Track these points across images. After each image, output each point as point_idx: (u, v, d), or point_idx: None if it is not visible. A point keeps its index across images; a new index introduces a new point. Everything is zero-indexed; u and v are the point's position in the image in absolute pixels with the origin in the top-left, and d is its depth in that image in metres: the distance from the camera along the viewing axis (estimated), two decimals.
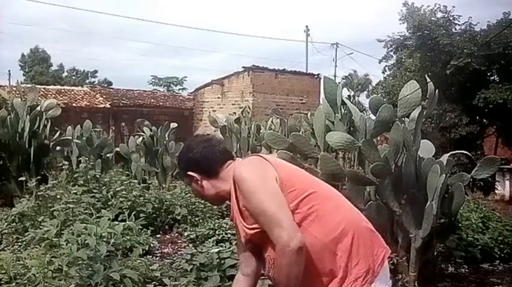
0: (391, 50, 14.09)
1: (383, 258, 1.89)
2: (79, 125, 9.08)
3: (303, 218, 1.84)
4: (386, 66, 15.15)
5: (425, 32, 11.84)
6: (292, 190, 1.87)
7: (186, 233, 6.06)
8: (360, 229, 1.90)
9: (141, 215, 5.76)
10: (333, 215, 1.88)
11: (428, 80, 4.47)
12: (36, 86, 11.33)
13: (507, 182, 11.21)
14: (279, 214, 1.79)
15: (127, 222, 4.84)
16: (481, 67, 11.52)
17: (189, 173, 2.06)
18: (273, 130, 8.97)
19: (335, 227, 1.85)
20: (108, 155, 9.08)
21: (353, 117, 4.55)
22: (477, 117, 12.39)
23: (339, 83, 5.15)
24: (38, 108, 8.04)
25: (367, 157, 4.16)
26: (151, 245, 5.37)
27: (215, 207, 6.91)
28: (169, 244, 5.86)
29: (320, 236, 1.83)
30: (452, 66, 11.48)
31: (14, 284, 3.61)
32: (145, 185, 8.21)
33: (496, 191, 11.27)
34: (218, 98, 17.94)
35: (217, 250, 4.16)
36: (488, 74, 12.23)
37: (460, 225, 5.05)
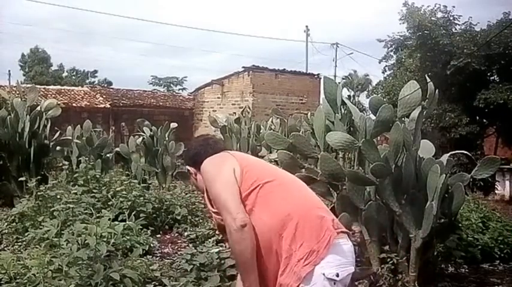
0: (391, 50, 14.10)
1: (329, 240, 1.97)
2: (79, 125, 9.07)
3: (254, 203, 2.05)
4: (386, 66, 15.16)
5: (425, 32, 11.83)
6: (250, 178, 2.10)
7: (186, 233, 6.06)
8: (307, 214, 2.03)
9: (141, 215, 5.76)
10: (282, 201, 2.06)
11: (428, 80, 4.47)
12: (36, 86, 11.32)
13: (507, 182, 11.22)
14: (227, 200, 2.04)
15: (127, 222, 4.84)
16: (481, 67, 11.51)
17: (187, 167, 2.39)
18: (273, 130, 8.98)
19: (282, 212, 2.02)
20: (108, 155, 9.07)
21: (353, 118, 4.55)
22: (477, 118, 12.39)
23: (339, 83, 5.14)
24: (38, 108, 8.03)
25: (367, 157, 4.16)
26: (151, 245, 5.37)
27: None
28: (169, 244, 5.86)
29: (267, 220, 2.01)
30: (452, 67, 11.47)
31: (14, 284, 3.61)
32: (145, 185, 8.21)
33: (496, 191, 11.28)
34: (218, 98, 17.94)
35: (217, 250, 4.16)
36: (489, 74, 12.23)
37: (460, 225, 5.05)
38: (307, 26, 30.54)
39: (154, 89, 31.55)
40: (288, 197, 2.09)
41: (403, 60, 14.12)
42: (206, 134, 2.61)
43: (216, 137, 2.55)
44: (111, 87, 25.59)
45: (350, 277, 2.02)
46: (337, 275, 1.95)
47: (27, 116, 7.84)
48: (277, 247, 1.99)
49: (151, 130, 9.61)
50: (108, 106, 18.04)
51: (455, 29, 12.45)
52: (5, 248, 5.08)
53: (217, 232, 5.57)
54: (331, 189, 4.60)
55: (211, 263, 3.92)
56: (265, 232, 2.01)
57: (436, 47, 11.84)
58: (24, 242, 5.02)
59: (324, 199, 4.33)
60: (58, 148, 8.47)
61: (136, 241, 5.00)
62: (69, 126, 9.03)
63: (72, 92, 19.10)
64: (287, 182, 2.20)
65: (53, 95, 17.12)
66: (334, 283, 1.95)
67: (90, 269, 3.49)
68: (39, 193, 5.69)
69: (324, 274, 1.93)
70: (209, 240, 5.39)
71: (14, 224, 5.55)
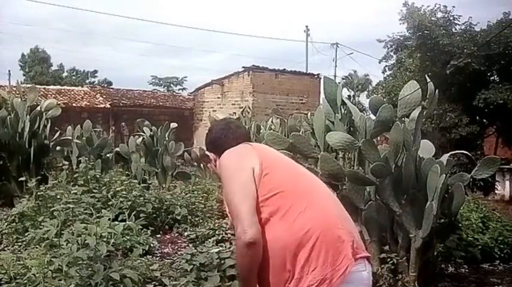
0: (391, 50, 14.10)
1: (345, 270, 1.78)
2: (79, 125, 9.08)
3: (271, 212, 1.85)
4: (386, 66, 15.18)
5: (425, 32, 11.84)
6: (269, 183, 1.90)
7: (186, 233, 6.05)
8: (326, 235, 1.81)
9: (141, 215, 5.76)
10: (300, 216, 1.84)
11: (428, 80, 4.47)
12: (36, 86, 11.34)
13: (507, 182, 11.22)
14: (241, 206, 1.83)
15: (127, 222, 4.84)
16: (481, 67, 11.52)
17: (206, 152, 2.24)
18: (273, 130, 8.97)
19: (299, 228, 1.81)
20: (108, 155, 9.08)
21: (353, 118, 4.55)
22: (477, 118, 12.40)
23: (339, 83, 5.15)
24: (38, 108, 8.04)
25: (367, 157, 4.16)
26: (151, 245, 5.36)
27: (215, 207, 6.93)
28: (169, 244, 5.86)
29: (283, 235, 1.81)
30: (452, 66, 11.48)
31: (14, 284, 3.61)
32: (145, 185, 8.21)
33: (496, 191, 11.28)
34: (218, 98, 17.94)
35: (217, 250, 4.15)
36: (488, 74, 12.24)
37: (460, 225, 5.04)
38: (307, 26, 30.54)
39: (154, 89, 31.56)
40: (308, 211, 1.85)
41: (403, 60, 14.13)
42: (228, 118, 2.46)
43: (238, 121, 2.36)
44: (111, 87, 25.60)
45: None
46: None
47: (27, 116, 7.84)
48: (291, 265, 1.80)
49: (151, 130, 9.60)
50: (108, 106, 18.04)
51: (455, 29, 12.46)
52: (5, 248, 5.08)
53: (217, 232, 5.60)
54: (331, 189, 4.59)
55: (211, 263, 3.92)
56: (279, 248, 1.81)
57: (436, 47, 11.85)
58: (24, 242, 5.02)
59: None
60: (58, 148, 8.48)
61: (136, 241, 5.00)
62: (69, 126, 9.03)
63: (72, 92, 19.11)
64: (310, 191, 1.97)
65: (53, 95, 17.12)
66: None
67: (90, 269, 3.49)
68: (39, 193, 5.69)
69: None
70: (209, 240, 5.40)
71: (14, 224, 5.55)
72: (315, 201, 1.92)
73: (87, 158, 7.63)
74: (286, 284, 1.81)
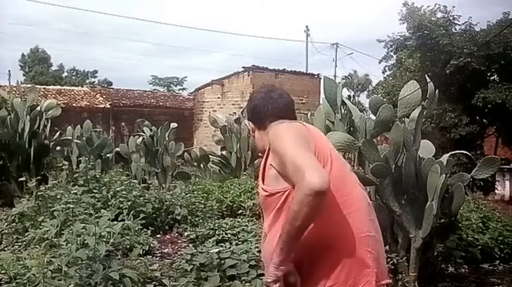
0: (391, 50, 14.09)
1: None
2: (79, 125, 9.09)
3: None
4: (386, 66, 15.17)
5: (425, 32, 11.83)
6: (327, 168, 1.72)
7: (186, 233, 6.05)
8: (354, 252, 1.69)
9: (141, 215, 5.76)
10: (340, 218, 1.70)
11: (428, 80, 4.47)
12: (36, 86, 11.34)
13: (507, 182, 11.20)
14: (304, 157, 1.64)
15: (126, 222, 4.84)
16: (481, 67, 11.51)
17: (246, 120, 2.19)
18: None
19: (331, 231, 1.70)
20: (108, 155, 9.09)
21: (353, 118, 4.55)
22: (477, 117, 12.39)
23: (339, 83, 5.15)
24: (38, 108, 8.04)
25: (367, 157, 4.16)
26: (151, 245, 5.36)
27: (215, 207, 6.93)
28: (169, 244, 5.85)
29: (317, 229, 1.68)
30: (452, 66, 11.48)
31: (14, 284, 3.61)
32: (145, 185, 8.21)
33: (496, 191, 11.27)
34: (218, 98, 17.94)
35: (217, 250, 4.15)
36: (488, 74, 12.23)
37: (460, 225, 5.05)
38: (307, 26, 30.49)
39: (154, 89, 31.60)
40: (348, 216, 1.72)
41: (403, 60, 14.12)
42: (271, 85, 2.16)
43: (281, 89, 2.05)
44: (111, 87, 25.61)
45: None
46: None
47: (27, 116, 7.84)
48: (309, 264, 1.71)
49: (151, 130, 9.61)
50: (108, 106, 18.04)
51: (455, 29, 12.45)
52: (5, 248, 5.08)
53: (217, 232, 5.60)
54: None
55: (211, 263, 3.92)
56: (307, 238, 1.67)
57: (436, 47, 11.85)
58: (24, 242, 5.02)
59: None
60: (58, 148, 8.48)
61: (136, 241, 5.00)
62: (69, 126, 9.04)
63: (72, 92, 19.11)
64: (353, 194, 1.78)
65: (53, 95, 17.13)
66: None
67: (89, 269, 3.49)
68: (39, 193, 5.69)
69: None
70: (209, 240, 5.40)
71: (14, 224, 5.55)
72: (355, 207, 1.75)
73: (87, 158, 7.63)
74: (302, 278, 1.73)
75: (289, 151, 1.67)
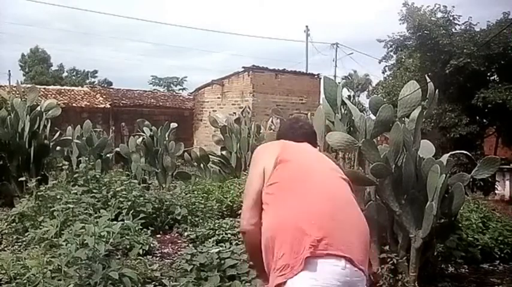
0: (391, 50, 14.10)
1: (305, 259, 1.93)
2: (79, 125, 9.08)
3: (269, 200, 2.15)
4: (386, 66, 15.19)
5: (425, 32, 11.84)
6: (278, 176, 2.16)
7: (186, 233, 6.05)
8: (297, 227, 2.00)
9: (141, 215, 5.75)
10: (287, 208, 2.08)
11: (428, 80, 4.47)
12: (36, 86, 11.33)
13: (507, 182, 11.20)
14: (244, 201, 2.28)
15: (125, 221, 4.83)
16: (481, 67, 11.52)
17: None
18: (273, 130, 8.97)
19: (281, 218, 2.07)
20: (108, 155, 9.08)
21: (353, 118, 4.54)
22: (477, 117, 12.40)
23: (339, 83, 5.14)
24: (38, 108, 8.04)
25: (367, 157, 4.16)
26: (151, 245, 5.36)
27: (215, 207, 6.93)
28: (169, 244, 5.85)
29: (270, 222, 2.11)
30: (452, 66, 11.49)
31: (14, 284, 3.60)
32: (145, 185, 8.21)
33: (496, 191, 11.27)
34: (218, 98, 17.94)
35: (217, 250, 4.15)
36: (488, 74, 12.24)
37: (460, 225, 5.04)
38: (307, 26, 30.49)
39: (155, 89, 31.58)
40: (294, 204, 2.08)
41: (403, 60, 14.13)
42: (298, 116, 2.81)
43: (305, 121, 2.77)
44: (111, 87, 25.60)
45: None
46: None
47: (27, 116, 7.84)
48: (272, 250, 2.06)
49: (151, 130, 9.61)
50: (108, 106, 18.04)
51: (455, 29, 12.46)
52: (5, 248, 5.08)
53: (217, 232, 5.60)
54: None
55: (211, 263, 3.92)
56: (265, 233, 2.11)
57: (436, 47, 11.85)
58: (24, 242, 5.02)
59: None
60: (58, 148, 8.48)
61: (136, 241, 4.99)
62: (69, 126, 9.04)
63: (72, 92, 19.11)
64: (309, 185, 2.15)
65: (53, 95, 17.13)
66: None
67: (89, 269, 3.49)
68: (39, 193, 5.69)
69: None
70: (209, 240, 5.40)
71: (14, 224, 5.55)
72: (304, 197, 2.10)
73: (87, 158, 7.63)
74: (272, 265, 2.06)
75: (247, 180, 2.35)
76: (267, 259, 2.11)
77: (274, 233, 2.05)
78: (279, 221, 2.07)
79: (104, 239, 3.99)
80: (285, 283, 1.97)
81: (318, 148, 5.00)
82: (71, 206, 5.05)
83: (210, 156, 9.79)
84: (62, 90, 19.18)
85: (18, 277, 3.69)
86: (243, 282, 3.76)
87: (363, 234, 2.15)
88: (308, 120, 2.79)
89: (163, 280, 4.01)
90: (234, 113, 14.38)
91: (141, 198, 6.43)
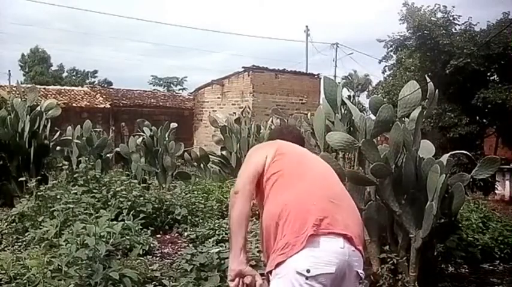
0: (391, 50, 14.09)
1: (307, 237, 1.99)
2: (79, 125, 9.09)
3: (269, 190, 2.22)
4: (386, 66, 15.16)
5: (425, 32, 11.84)
6: (276, 167, 2.26)
7: (186, 233, 6.06)
8: (299, 209, 2.09)
9: (141, 215, 5.76)
10: (287, 193, 2.17)
11: (428, 80, 4.47)
12: (36, 86, 11.34)
13: (507, 182, 11.21)
14: (243, 171, 2.30)
15: (126, 221, 4.84)
16: (481, 67, 11.53)
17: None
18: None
19: (282, 202, 2.13)
20: (108, 155, 9.09)
21: (353, 118, 4.54)
22: (477, 117, 12.40)
23: (339, 83, 5.14)
24: (38, 108, 8.04)
25: (367, 157, 4.16)
26: (152, 245, 5.37)
27: (215, 207, 6.93)
28: (169, 244, 5.86)
29: (271, 208, 2.16)
30: (452, 66, 11.49)
31: (14, 284, 3.61)
32: (145, 185, 8.21)
33: (496, 191, 11.28)
34: (218, 98, 17.94)
35: (217, 250, 4.15)
36: (488, 74, 12.24)
37: (460, 225, 5.04)
38: (307, 26, 30.47)
39: (155, 89, 31.59)
40: (295, 189, 2.18)
41: (403, 60, 14.12)
42: (286, 125, 2.74)
43: (291, 127, 3.13)
44: (111, 87, 25.62)
45: (329, 277, 1.97)
46: (308, 271, 1.94)
47: (27, 116, 7.84)
48: (274, 234, 2.11)
49: (151, 130, 9.61)
50: (108, 106, 18.04)
51: (455, 29, 12.46)
52: (5, 248, 5.08)
53: (217, 232, 5.60)
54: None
55: (211, 263, 3.92)
56: (267, 218, 2.16)
57: (436, 47, 11.85)
58: (24, 242, 5.02)
59: None
60: (58, 148, 8.48)
61: (136, 241, 5.00)
62: (69, 126, 9.04)
63: (72, 92, 19.11)
64: (305, 174, 2.27)
65: (53, 95, 17.13)
66: (307, 278, 1.94)
67: (89, 269, 3.49)
68: (39, 193, 5.69)
69: (294, 268, 1.97)
70: (209, 240, 5.40)
71: (14, 224, 5.55)
72: (304, 183, 2.22)
73: (87, 158, 7.63)
74: (273, 247, 2.10)
75: (240, 171, 2.37)
76: (267, 243, 2.16)
77: (279, 215, 2.09)
78: (283, 203, 2.12)
79: (104, 239, 4.00)
80: (284, 261, 2.01)
81: (317, 148, 5.00)
82: (71, 206, 5.06)
83: (210, 156, 9.80)
84: (62, 90, 19.18)
85: (18, 277, 3.70)
86: None
87: (358, 219, 2.23)
88: (296, 127, 2.90)
89: (163, 280, 4.01)
90: (234, 113, 14.39)
91: (141, 198, 6.43)
